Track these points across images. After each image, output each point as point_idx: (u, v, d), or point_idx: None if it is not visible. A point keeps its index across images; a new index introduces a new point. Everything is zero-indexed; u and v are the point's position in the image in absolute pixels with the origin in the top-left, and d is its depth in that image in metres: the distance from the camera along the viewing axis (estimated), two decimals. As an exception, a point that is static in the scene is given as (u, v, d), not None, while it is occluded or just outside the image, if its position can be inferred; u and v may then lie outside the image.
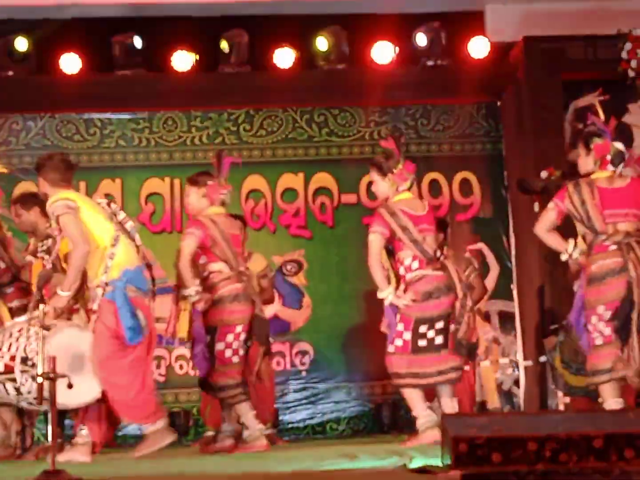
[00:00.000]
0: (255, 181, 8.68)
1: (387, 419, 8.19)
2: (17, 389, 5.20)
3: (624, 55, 8.16)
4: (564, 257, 5.44)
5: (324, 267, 8.52)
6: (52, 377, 4.18)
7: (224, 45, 8.34)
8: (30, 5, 8.26)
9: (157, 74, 8.54)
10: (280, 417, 8.03)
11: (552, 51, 8.29)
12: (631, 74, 8.21)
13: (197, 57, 8.39)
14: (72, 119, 8.67)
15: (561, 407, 6.80)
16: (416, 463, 4.14)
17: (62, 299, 5.41)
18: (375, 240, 5.76)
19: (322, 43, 8.42)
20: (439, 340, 5.76)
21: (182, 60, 8.38)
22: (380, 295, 5.80)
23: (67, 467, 4.08)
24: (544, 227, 5.47)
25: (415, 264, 5.80)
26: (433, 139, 8.79)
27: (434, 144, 8.80)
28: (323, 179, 8.67)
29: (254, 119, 8.73)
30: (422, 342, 5.75)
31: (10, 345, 5.26)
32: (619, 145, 5.52)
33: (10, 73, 8.35)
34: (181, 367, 8.48)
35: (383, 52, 8.43)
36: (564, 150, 8.19)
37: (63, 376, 4.19)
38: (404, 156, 5.99)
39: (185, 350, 8.49)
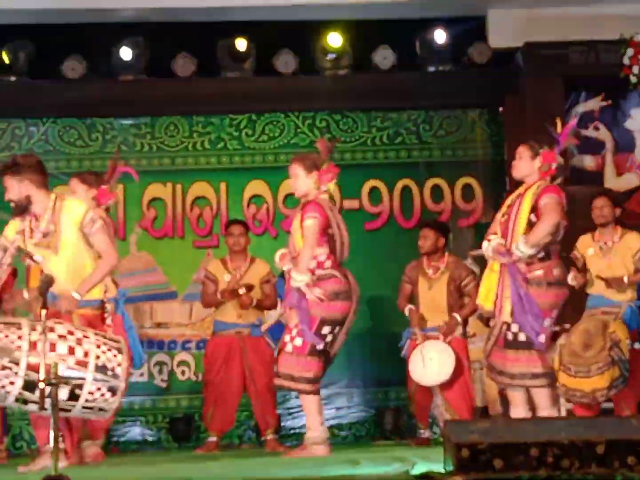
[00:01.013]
0: (257, 186, 8.68)
1: (389, 425, 8.17)
2: (74, 395, 4.84)
3: (625, 61, 8.16)
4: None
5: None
6: (54, 383, 4.18)
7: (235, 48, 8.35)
8: (34, 10, 8.27)
9: (159, 79, 8.55)
10: (283, 423, 8.01)
11: (554, 56, 8.29)
12: (633, 79, 8.22)
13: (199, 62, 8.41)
14: (75, 124, 8.68)
15: (563, 413, 6.78)
16: (418, 469, 4.13)
17: (75, 302, 5.17)
18: (315, 225, 5.70)
19: (325, 48, 8.43)
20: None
21: (184, 65, 8.40)
22: (297, 277, 5.69)
23: (68, 473, 4.07)
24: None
25: (328, 263, 5.79)
26: (435, 144, 8.79)
27: (436, 149, 8.80)
28: (325, 184, 8.67)
29: (256, 124, 8.73)
30: (320, 346, 5.72)
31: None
32: (560, 160, 5.75)
33: (13, 78, 8.36)
34: (183, 372, 8.47)
35: (385, 58, 8.43)
36: (566, 155, 8.20)
37: (66, 382, 4.19)
38: (332, 160, 5.97)
39: (187, 356, 8.50)
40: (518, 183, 5.94)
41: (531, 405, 5.75)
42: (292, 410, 8.17)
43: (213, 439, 7.22)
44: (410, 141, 8.77)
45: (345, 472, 4.46)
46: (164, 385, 8.45)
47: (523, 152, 5.76)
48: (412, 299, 7.25)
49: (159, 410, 8.40)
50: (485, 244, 5.66)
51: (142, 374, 8.38)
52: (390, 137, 8.78)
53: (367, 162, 8.78)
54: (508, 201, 5.79)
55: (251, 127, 8.75)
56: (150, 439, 8.32)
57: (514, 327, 5.58)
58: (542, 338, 5.57)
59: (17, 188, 5.20)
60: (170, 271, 8.56)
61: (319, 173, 5.83)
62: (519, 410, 5.68)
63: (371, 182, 8.72)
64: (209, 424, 7.28)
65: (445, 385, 6.90)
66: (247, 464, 5.46)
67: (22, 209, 5.25)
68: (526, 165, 5.73)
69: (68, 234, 5.23)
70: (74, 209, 5.26)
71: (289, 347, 5.74)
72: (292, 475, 4.45)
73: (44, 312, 4.37)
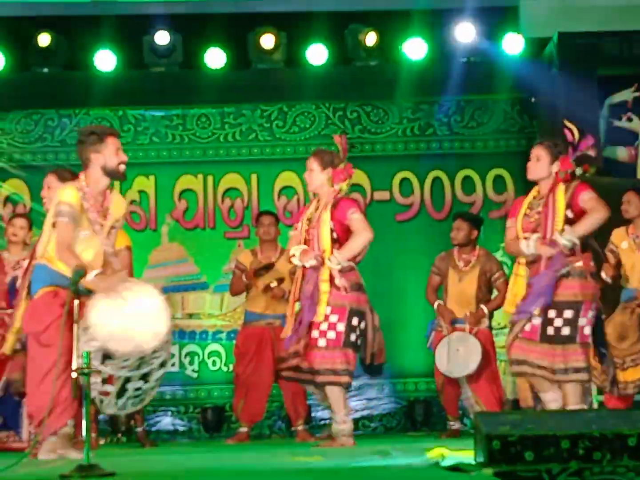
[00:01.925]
0: (288, 178, 8.70)
1: (419, 416, 8.18)
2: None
3: (659, 51, 8.10)
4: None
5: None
6: (86, 372, 4.21)
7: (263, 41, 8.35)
8: (66, 2, 8.31)
9: (190, 71, 8.58)
10: (313, 414, 8.03)
11: (587, 47, 8.23)
12: (667, 70, 8.15)
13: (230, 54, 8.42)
14: (107, 116, 8.73)
15: (595, 406, 6.75)
16: (449, 461, 4.13)
17: None
18: (363, 217, 5.78)
19: (353, 39, 8.42)
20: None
21: (216, 57, 8.41)
22: (339, 259, 5.65)
23: (101, 462, 4.11)
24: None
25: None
26: (466, 135, 8.77)
27: (468, 140, 8.77)
28: (356, 175, 8.59)
29: (287, 115, 8.74)
30: (352, 336, 5.73)
31: None
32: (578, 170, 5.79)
33: (46, 70, 8.41)
34: (214, 363, 8.51)
35: (416, 48, 8.40)
36: (599, 146, 8.14)
37: (98, 371, 4.22)
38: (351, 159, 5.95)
39: (217, 346, 8.53)
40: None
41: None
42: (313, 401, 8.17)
43: (244, 429, 7.25)
44: (441, 132, 8.75)
45: (375, 463, 4.47)
46: (195, 375, 8.50)
47: (541, 154, 5.66)
48: (440, 290, 7.24)
49: (190, 401, 8.45)
50: (523, 242, 5.59)
51: (173, 364, 8.43)
52: (421, 128, 8.76)
53: (398, 153, 8.77)
54: (526, 204, 5.71)
55: (282, 118, 8.76)
56: (181, 429, 8.37)
57: (558, 322, 5.54)
58: (587, 330, 5.54)
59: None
60: (202, 262, 8.60)
61: (333, 171, 5.83)
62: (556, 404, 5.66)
63: (402, 174, 8.71)
64: (240, 415, 7.31)
65: (473, 377, 6.88)
66: (277, 454, 5.47)
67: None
68: (544, 168, 5.65)
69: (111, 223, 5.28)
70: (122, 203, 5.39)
71: (322, 342, 5.72)
72: (323, 466, 4.46)
73: (76, 302, 4.40)
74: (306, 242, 5.77)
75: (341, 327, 5.70)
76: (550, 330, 5.53)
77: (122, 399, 4.86)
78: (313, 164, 5.88)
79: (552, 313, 5.52)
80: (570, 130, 5.74)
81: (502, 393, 7.12)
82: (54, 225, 5.10)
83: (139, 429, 6.93)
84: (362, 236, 5.74)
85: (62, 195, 5.10)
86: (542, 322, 5.52)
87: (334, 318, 5.69)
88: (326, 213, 5.77)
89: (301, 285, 5.77)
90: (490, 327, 7.11)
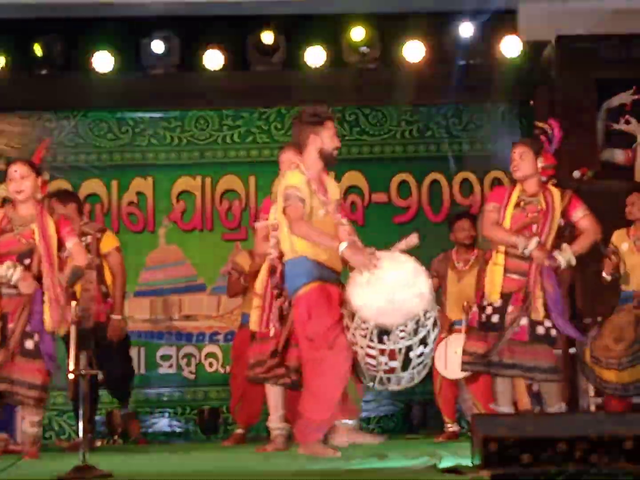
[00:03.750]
0: (286, 180, 8.69)
1: (417, 418, 8.17)
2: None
3: (657, 54, 8.11)
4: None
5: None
6: (83, 374, 4.21)
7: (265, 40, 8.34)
8: (63, 4, 8.30)
9: (188, 73, 8.57)
10: (310, 416, 8.02)
11: (585, 50, 8.24)
12: (665, 73, 8.16)
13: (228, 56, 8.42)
14: (105, 118, 8.73)
15: (592, 408, 6.75)
16: (446, 463, 4.13)
17: None
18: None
19: (353, 41, 8.42)
20: None
21: (214, 59, 8.41)
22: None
23: (100, 462, 4.11)
24: None
25: None
26: (465, 138, 8.77)
27: (466, 143, 8.78)
28: (354, 177, 8.67)
29: (285, 117, 8.74)
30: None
31: None
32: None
33: (44, 72, 8.41)
34: (211, 364, 8.51)
35: (414, 51, 8.41)
36: (596, 149, 8.15)
37: (95, 373, 4.22)
38: None
39: (214, 348, 8.53)
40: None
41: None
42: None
43: (240, 431, 7.23)
44: (439, 135, 8.75)
45: (372, 465, 4.47)
46: (192, 377, 8.49)
47: (524, 151, 5.70)
48: (438, 293, 7.23)
49: (187, 402, 8.44)
50: (522, 240, 5.59)
51: (170, 366, 8.43)
52: (419, 131, 8.76)
53: (396, 155, 8.77)
54: (515, 198, 5.73)
55: (280, 120, 8.76)
56: (178, 430, 8.36)
57: (548, 323, 5.57)
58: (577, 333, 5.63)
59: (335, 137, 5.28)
60: (199, 264, 8.60)
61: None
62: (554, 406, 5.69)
63: (400, 176, 8.71)
64: (236, 416, 7.29)
65: (471, 379, 6.87)
66: (273, 455, 5.47)
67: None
68: (530, 164, 5.70)
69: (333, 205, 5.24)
70: (336, 186, 5.37)
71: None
72: (319, 467, 4.45)
73: (73, 303, 4.41)
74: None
75: None
76: (540, 330, 5.57)
77: (407, 371, 4.90)
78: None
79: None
80: (541, 127, 5.78)
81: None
82: (284, 211, 5.08)
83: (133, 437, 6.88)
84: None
85: (288, 180, 5.12)
86: (530, 323, 5.56)
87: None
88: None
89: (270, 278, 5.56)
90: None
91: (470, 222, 7.25)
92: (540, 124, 5.83)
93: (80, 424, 4.15)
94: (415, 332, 4.82)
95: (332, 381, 4.98)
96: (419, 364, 4.94)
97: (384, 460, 4.72)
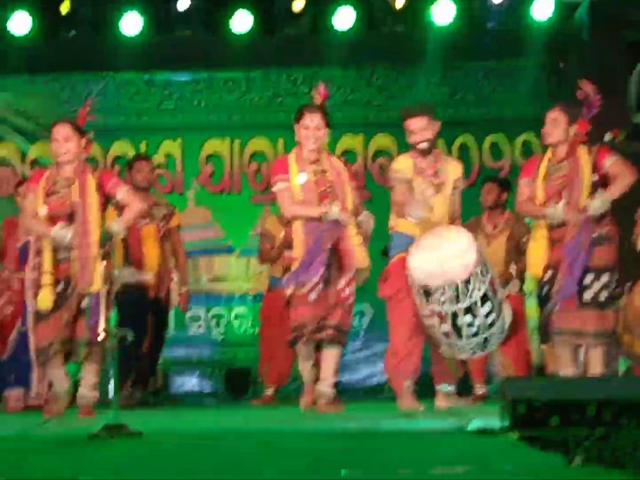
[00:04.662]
0: (314, 143, 8.66)
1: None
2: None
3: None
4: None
5: (383, 228, 8.49)
6: (114, 334, 4.25)
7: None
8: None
9: (217, 35, 8.54)
10: (340, 377, 8.05)
11: (617, 12, 8.14)
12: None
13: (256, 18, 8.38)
14: (133, 80, 8.72)
15: (621, 372, 6.73)
16: (475, 425, 4.14)
17: None
18: None
19: (380, 3, 8.35)
20: None
21: (242, 21, 8.37)
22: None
23: (130, 420, 4.15)
24: None
25: None
26: (494, 101, 8.70)
27: (495, 106, 8.71)
28: (382, 140, 8.63)
29: (313, 80, 8.69)
30: None
31: None
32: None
33: (73, 33, 8.41)
34: (240, 325, 8.55)
35: (444, 13, 8.32)
36: (629, 112, 8.06)
37: (124, 335, 4.25)
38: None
39: (243, 309, 8.56)
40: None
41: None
42: (348, 365, 8.19)
43: (269, 391, 7.28)
44: (469, 98, 8.69)
45: (401, 426, 4.48)
46: (221, 337, 8.54)
47: (559, 117, 5.62)
48: None
49: (216, 363, 8.49)
50: (550, 209, 5.56)
51: (199, 327, 8.48)
52: (449, 94, 8.70)
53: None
54: (544, 169, 5.68)
55: (308, 83, 8.72)
56: (207, 390, 8.42)
57: (597, 286, 5.54)
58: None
59: (430, 130, 5.80)
60: (228, 226, 8.62)
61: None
62: (571, 370, 5.67)
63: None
64: (266, 377, 7.34)
65: (502, 342, 6.86)
66: (302, 416, 5.50)
67: (429, 149, 5.80)
68: (562, 131, 5.62)
69: (451, 181, 5.79)
70: (457, 165, 5.93)
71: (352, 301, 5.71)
72: (348, 428, 4.48)
73: (103, 263, 4.44)
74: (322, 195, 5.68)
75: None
76: (588, 295, 5.53)
77: (462, 339, 5.31)
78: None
79: (589, 278, 5.53)
80: (584, 90, 5.70)
81: (531, 358, 7.10)
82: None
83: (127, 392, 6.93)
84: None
85: (395, 164, 5.83)
86: (579, 288, 5.52)
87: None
88: (343, 172, 5.78)
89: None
90: (521, 292, 7.08)
91: (497, 186, 7.20)
92: (583, 86, 5.72)
93: (112, 383, 4.18)
94: (457, 299, 5.18)
95: (398, 332, 5.60)
96: (473, 335, 5.31)
97: (413, 421, 4.74)
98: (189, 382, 8.41)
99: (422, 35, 8.41)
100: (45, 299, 5.49)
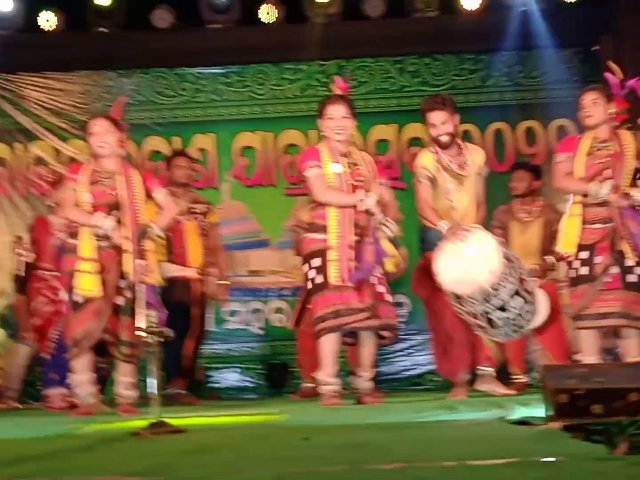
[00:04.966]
0: (347, 132, 8.64)
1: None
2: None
3: None
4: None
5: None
6: (154, 332, 4.26)
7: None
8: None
9: (247, 27, 8.55)
10: (378, 369, 8.04)
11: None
12: None
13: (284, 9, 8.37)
14: (165, 74, 8.74)
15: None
16: (516, 415, 4.12)
17: None
18: None
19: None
20: None
21: (271, 12, 8.36)
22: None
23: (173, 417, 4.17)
24: None
25: None
26: (528, 86, 8.63)
27: (529, 91, 8.64)
28: (416, 129, 8.58)
29: (345, 70, 8.68)
30: None
31: None
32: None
33: (104, 29, 8.44)
34: (278, 319, 8.55)
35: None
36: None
37: (162, 332, 4.26)
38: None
39: (282, 303, 8.57)
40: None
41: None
42: (387, 356, 8.19)
43: (309, 384, 7.29)
44: (502, 83, 8.63)
45: (442, 418, 4.47)
46: (260, 332, 8.55)
47: (596, 97, 5.57)
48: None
49: (255, 357, 8.51)
50: (594, 185, 5.51)
51: (238, 322, 8.50)
52: (482, 80, 8.65)
53: (458, 105, 8.59)
54: (587, 146, 5.62)
55: (340, 73, 8.69)
56: (247, 385, 8.44)
57: (638, 269, 5.50)
58: None
59: (450, 123, 5.93)
60: (263, 219, 8.63)
61: None
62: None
63: (463, 126, 8.56)
64: (304, 371, 7.35)
65: (540, 330, 6.82)
66: (343, 410, 5.50)
67: (450, 142, 5.93)
68: (602, 111, 5.57)
69: (474, 171, 5.98)
70: (479, 153, 6.10)
71: (389, 297, 5.69)
72: (388, 420, 4.47)
73: (137, 261, 4.46)
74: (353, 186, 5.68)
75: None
76: (631, 278, 5.49)
77: (496, 329, 5.49)
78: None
79: (630, 261, 5.49)
80: (614, 70, 5.65)
81: (570, 346, 7.05)
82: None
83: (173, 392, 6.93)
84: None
85: (418, 160, 5.94)
86: (621, 270, 5.48)
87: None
88: (372, 162, 5.81)
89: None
90: (555, 279, 7.03)
91: (528, 173, 7.14)
92: (612, 66, 5.69)
93: (153, 381, 4.20)
94: (487, 300, 5.37)
95: (442, 327, 5.88)
96: (506, 325, 5.47)
97: (454, 412, 4.73)
98: (229, 377, 8.44)
99: (454, 21, 8.36)
100: (90, 285, 5.48)
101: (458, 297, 5.44)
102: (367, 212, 5.57)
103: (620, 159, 5.52)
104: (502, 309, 5.40)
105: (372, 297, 5.55)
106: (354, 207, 5.56)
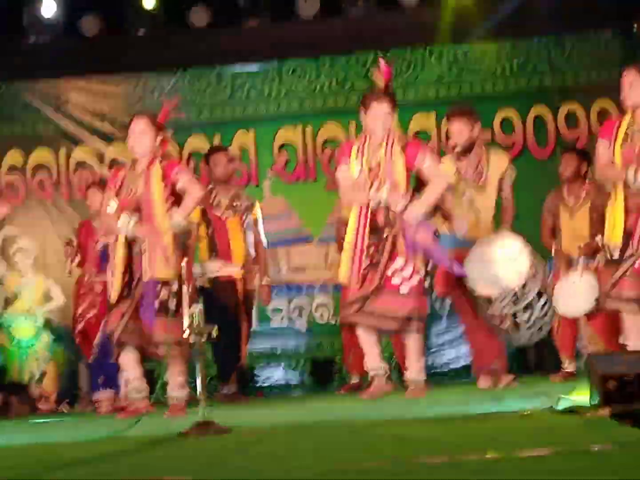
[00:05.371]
0: (387, 124, 8.61)
1: (532, 359, 8.08)
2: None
3: None
4: None
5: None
6: (199, 332, 4.27)
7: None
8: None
9: (282, 22, 8.54)
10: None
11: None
12: None
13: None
14: (204, 73, 8.77)
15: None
16: (564, 404, 4.08)
17: None
18: (435, 165, 5.84)
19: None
20: None
21: (307, 6, 8.35)
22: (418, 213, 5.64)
23: (219, 417, 4.18)
24: None
25: None
26: (568, 68, 8.54)
27: (569, 74, 8.54)
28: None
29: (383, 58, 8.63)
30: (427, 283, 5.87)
31: None
32: None
33: (142, 31, 8.49)
34: (322, 315, 8.54)
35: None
36: None
37: (209, 333, 4.26)
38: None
39: (325, 299, 8.56)
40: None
41: None
42: (432, 349, 8.15)
43: (355, 380, 7.28)
44: (541, 67, 8.54)
45: (489, 408, 4.44)
46: (304, 328, 8.55)
47: (635, 78, 5.46)
48: (555, 230, 7.12)
49: (300, 354, 8.51)
50: (631, 172, 5.42)
51: (282, 319, 8.50)
52: (520, 65, 8.56)
53: (497, 92, 8.59)
54: (623, 129, 5.52)
55: (377, 64, 8.65)
56: (293, 382, 8.45)
57: None
58: None
59: (466, 132, 6.11)
60: (305, 215, 8.62)
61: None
62: None
63: (503, 113, 8.55)
64: (350, 366, 7.34)
65: (592, 316, 6.75)
66: (389, 403, 5.49)
67: (467, 151, 6.13)
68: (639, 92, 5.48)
69: (495, 176, 6.18)
70: (501, 158, 6.28)
71: (404, 289, 5.64)
72: (435, 413, 4.46)
73: (184, 262, 4.48)
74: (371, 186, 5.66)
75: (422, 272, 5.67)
76: None
77: (520, 332, 5.73)
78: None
79: None
80: None
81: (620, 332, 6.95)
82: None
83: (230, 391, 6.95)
84: (438, 185, 5.66)
85: (440, 165, 5.96)
86: None
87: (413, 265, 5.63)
88: (397, 158, 5.67)
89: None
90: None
91: (577, 156, 7.07)
92: None
93: (199, 381, 4.21)
94: (515, 302, 5.61)
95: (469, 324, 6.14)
96: (529, 327, 5.72)
97: (501, 403, 4.70)
98: (275, 375, 8.45)
99: (491, 7, 8.28)
100: (118, 287, 5.57)
101: (489, 301, 5.64)
102: (387, 209, 5.57)
103: None
104: (529, 309, 5.65)
105: (371, 289, 5.58)
106: (368, 205, 5.60)
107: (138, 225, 5.53)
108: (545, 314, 5.73)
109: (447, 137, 6.54)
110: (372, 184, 5.61)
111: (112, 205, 5.62)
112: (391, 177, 5.61)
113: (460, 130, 6.11)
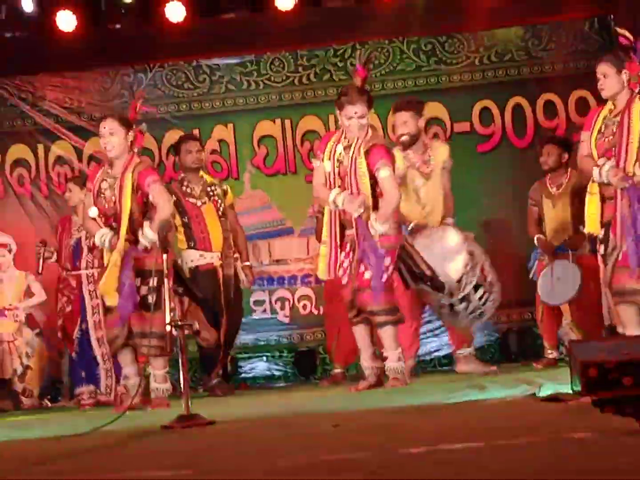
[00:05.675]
0: (366, 116, 8.60)
1: (514, 347, 8.12)
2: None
3: None
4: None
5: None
6: (180, 325, 4.27)
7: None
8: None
9: (260, 14, 8.51)
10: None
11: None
12: None
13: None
14: (181, 68, 8.74)
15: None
16: (545, 391, 4.10)
17: None
18: (391, 177, 5.87)
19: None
20: None
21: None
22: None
23: (202, 409, 4.18)
24: None
25: None
26: (545, 58, 8.56)
27: (547, 64, 8.56)
28: (434, 108, 8.51)
29: (361, 52, 8.62)
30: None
31: None
32: None
33: (118, 26, 8.44)
34: (304, 307, 8.55)
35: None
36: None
37: (190, 325, 4.27)
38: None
39: (307, 290, 8.56)
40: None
41: None
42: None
43: (338, 370, 7.29)
44: (519, 57, 8.56)
45: (472, 397, 4.46)
46: (286, 320, 8.55)
47: (607, 69, 5.47)
48: (540, 221, 7.15)
49: (283, 345, 8.51)
50: (596, 170, 5.43)
51: (264, 311, 8.50)
52: (498, 55, 8.58)
53: (476, 82, 8.60)
54: (601, 118, 5.54)
55: (356, 55, 8.66)
56: (276, 373, 8.45)
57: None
58: None
59: (412, 124, 6.36)
60: (285, 207, 8.61)
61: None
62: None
63: (481, 103, 8.56)
64: (333, 356, 7.35)
65: (574, 304, 6.78)
66: (370, 393, 5.50)
67: (411, 142, 6.36)
68: (614, 82, 5.46)
69: (439, 166, 6.45)
70: (442, 149, 6.54)
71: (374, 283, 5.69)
72: (418, 402, 4.47)
73: (164, 256, 4.47)
74: (340, 183, 5.73)
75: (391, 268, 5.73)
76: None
77: (459, 318, 6.02)
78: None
79: None
80: (624, 35, 5.56)
81: (603, 319, 6.98)
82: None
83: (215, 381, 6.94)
84: (390, 203, 5.68)
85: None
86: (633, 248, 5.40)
87: (387, 261, 5.67)
88: (361, 160, 5.69)
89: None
90: (593, 251, 6.96)
91: (557, 146, 7.10)
92: (621, 32, 5.60)
93: (181, 375, 4.21)
94: (451, 295, 5.87)
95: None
96: (470, 314, 5.99)
97: (484, 391, 4.72)
98: (258, 366, 8.45)
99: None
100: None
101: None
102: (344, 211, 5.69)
103: (623, 134, 5.34)
104: (466, 300, 5.89)
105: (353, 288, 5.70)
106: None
107: (113, 241, 5.63)
108: (484, 303, 5.93)
109: (394, 129, 6.66)
110: (335, 186, 5.72)
111: (93, 211, 5.67)
112: (354, 179, 5.67)
113: (404, 122, 6.35)
